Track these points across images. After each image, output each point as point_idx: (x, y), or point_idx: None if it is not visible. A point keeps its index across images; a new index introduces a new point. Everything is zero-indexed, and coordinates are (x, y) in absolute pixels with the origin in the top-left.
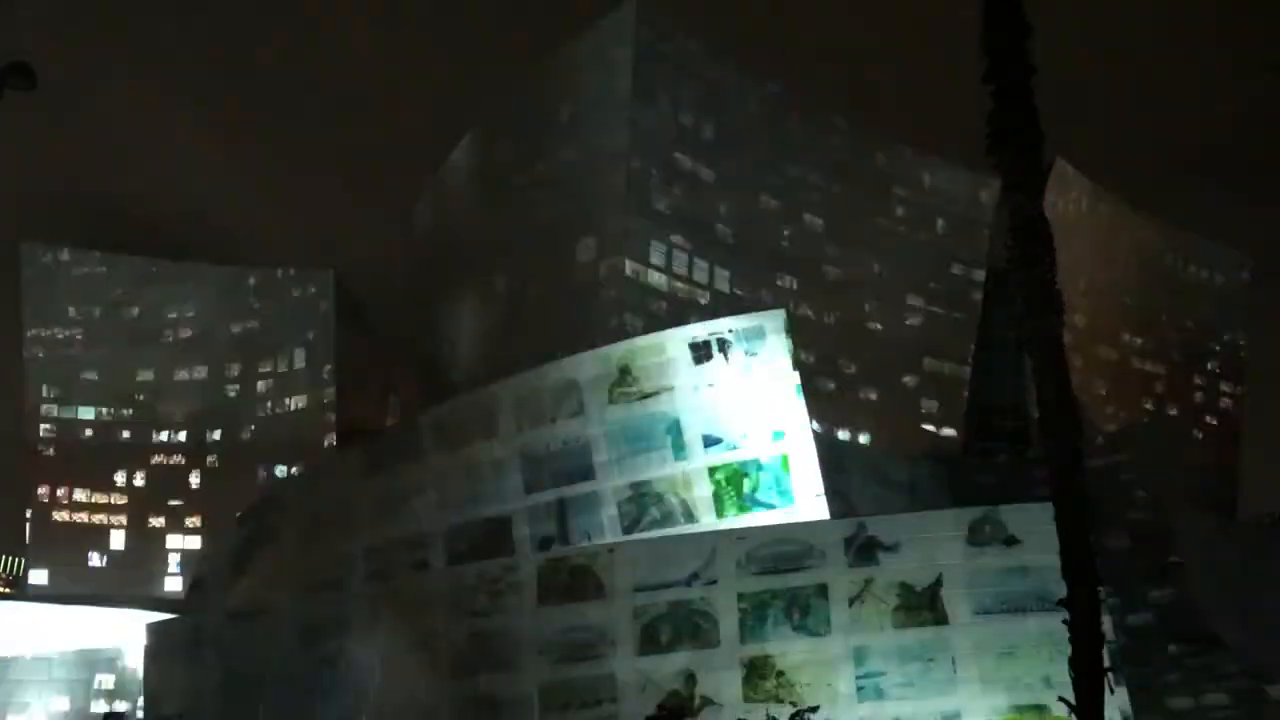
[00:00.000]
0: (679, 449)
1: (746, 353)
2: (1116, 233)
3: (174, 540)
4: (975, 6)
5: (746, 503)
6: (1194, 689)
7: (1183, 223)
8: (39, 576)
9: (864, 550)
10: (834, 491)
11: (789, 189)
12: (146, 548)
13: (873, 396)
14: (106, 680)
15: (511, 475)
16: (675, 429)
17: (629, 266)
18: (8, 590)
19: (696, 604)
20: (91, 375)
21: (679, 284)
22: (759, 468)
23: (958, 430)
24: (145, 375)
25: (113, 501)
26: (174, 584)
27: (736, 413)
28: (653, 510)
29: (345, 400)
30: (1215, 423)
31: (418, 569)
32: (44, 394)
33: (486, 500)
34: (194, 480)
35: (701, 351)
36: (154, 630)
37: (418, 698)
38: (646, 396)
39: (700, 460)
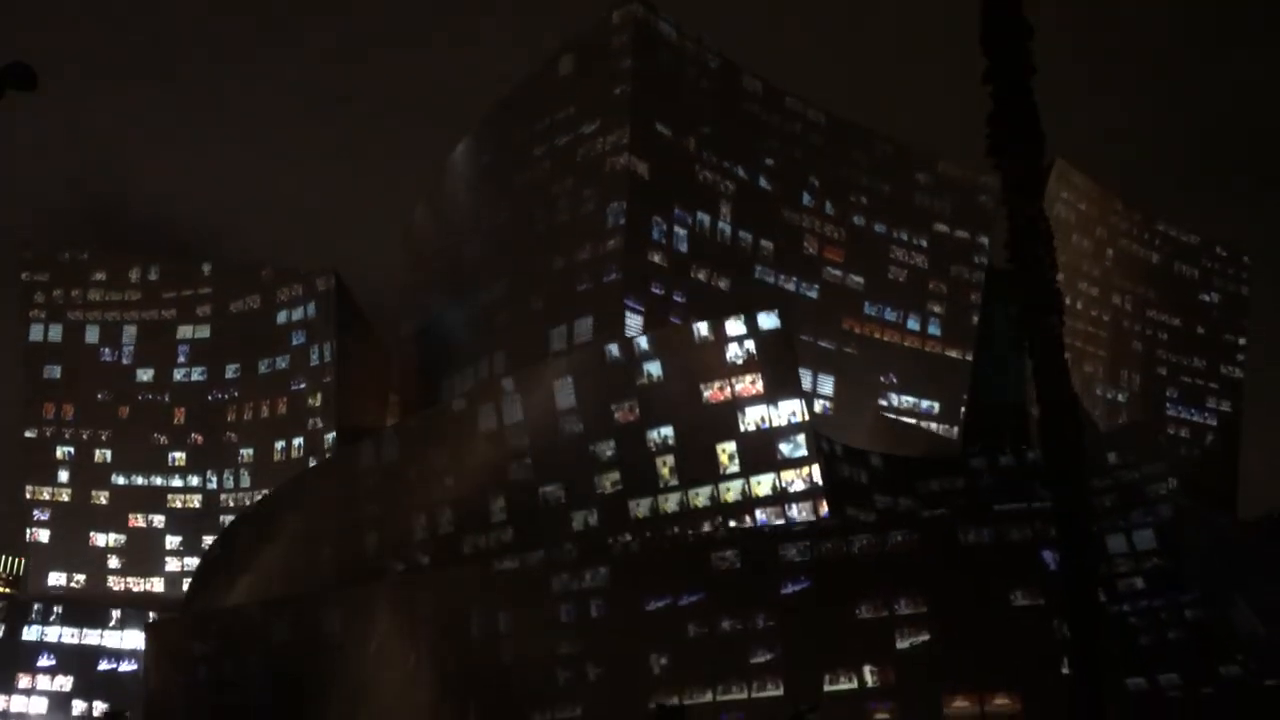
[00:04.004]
0: None
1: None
2: (1116, 233)
3: (184, 331)
4: (975, 6)
5: None
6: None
7: (1183, 223)
8: (52, 372)
9: None
10: (834, 492)
11: None
12: (156, 341)
13: (872, 396)
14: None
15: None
16: None
17: (640, 9)
18: (8, 590)
19: None
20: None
21: (689, 42)
22: None
23: (958, 430)
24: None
25: (126, 298)
26: (179, 374)
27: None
28: None
29: (345, 400)
30: (1215, 423)
31: (418, 565)
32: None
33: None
34: (205, 269)
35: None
36: (154, 629)
37: (418, 693)
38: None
39: None
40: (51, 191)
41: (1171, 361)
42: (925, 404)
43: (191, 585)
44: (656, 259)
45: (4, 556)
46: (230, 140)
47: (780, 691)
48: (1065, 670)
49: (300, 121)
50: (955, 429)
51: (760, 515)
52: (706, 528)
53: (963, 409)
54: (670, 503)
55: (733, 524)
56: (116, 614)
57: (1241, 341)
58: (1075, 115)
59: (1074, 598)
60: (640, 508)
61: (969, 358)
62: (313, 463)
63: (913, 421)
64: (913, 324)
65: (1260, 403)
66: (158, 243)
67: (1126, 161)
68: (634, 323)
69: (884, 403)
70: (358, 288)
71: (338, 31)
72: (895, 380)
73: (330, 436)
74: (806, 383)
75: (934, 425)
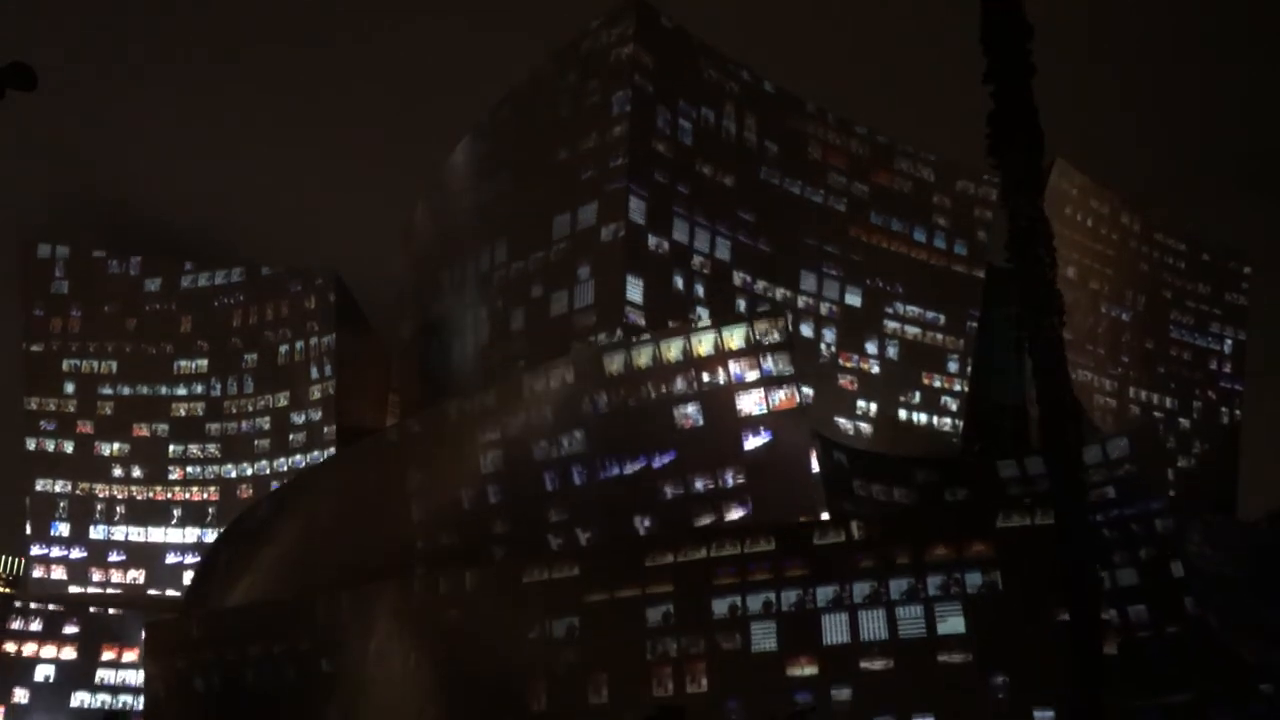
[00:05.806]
0: None
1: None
2: (1117, 233)
3: None
4: (975, 6)
5: None
6: None
7: (1183, 223)
8: (59, 287)
9: None
10: (834, 492)
11: None
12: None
13: (871, 395)
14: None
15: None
16: None
17: None
18: (8, 590)
19: None
20: None
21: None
22: None
23: (958, 430)
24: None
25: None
26: (186, 281)
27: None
28: None
29: (345, 400)
30: (1215, 422)
31: (418, 567)
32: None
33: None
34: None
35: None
36: (154, 630)
37: (418, 693)
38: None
39: None
40: (48, 191)
41: (1171, 359)
42: (931, 314)
43: (191, 585)
44: (661, 149)
45: (4, 557)
46: (229, 140)
47: (772, 546)
48: (1035, 521)
49: (300, 121)
50: (961, 340)
51: (734, 368)
52: (679, 383)
53: (971, 323)
54: (643, 356)
55: (707, 376)
56: (177, 513)
57: (1246, 270)
58: (1075, 115)
59: (1073, 598)
60: (614, 363)
61: (977, 274)
62: (313, 369)
63: (919, 331)
64: (919, 236)
65: (1260, 403)
66: (156, 241)
67: (1127, 162)
68: (637, 207)
69: (890, 310)
70: (358, 288)
71: (338, 32)
72: (902, 290)
73: (329, 339)
74: (811, 285)
75: (939, 336)
